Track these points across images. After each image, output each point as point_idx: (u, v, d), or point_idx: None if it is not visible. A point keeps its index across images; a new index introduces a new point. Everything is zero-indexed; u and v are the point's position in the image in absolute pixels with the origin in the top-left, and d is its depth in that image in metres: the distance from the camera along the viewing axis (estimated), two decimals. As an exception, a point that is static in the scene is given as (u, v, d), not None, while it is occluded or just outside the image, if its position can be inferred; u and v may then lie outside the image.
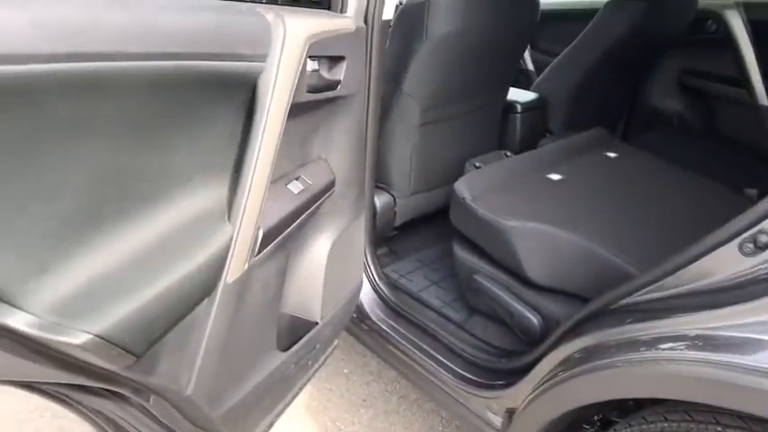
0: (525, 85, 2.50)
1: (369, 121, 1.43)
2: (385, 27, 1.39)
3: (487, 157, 1.91)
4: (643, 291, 1.05)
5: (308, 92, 1.06)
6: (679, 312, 0.94)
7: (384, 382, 2.07)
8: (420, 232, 2.10)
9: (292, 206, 1.10)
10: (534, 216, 1.45)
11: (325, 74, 1.12)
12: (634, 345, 0.95)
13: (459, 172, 1.91)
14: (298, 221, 1.13)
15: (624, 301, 1.08)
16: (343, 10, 1.28)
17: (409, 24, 1.65)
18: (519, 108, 2.14)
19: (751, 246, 0.89)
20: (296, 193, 1.11)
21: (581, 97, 2.24)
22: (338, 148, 1.29)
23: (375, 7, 1.32)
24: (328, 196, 1.25)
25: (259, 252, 1.00)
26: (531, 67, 2.94)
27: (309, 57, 1.03)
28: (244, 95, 0.91)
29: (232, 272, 0.93)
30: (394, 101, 1.73)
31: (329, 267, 1.34)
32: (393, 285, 1.73)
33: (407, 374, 1.63)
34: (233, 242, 0.91)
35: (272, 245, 1.04)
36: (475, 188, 1.57)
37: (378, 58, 1.38)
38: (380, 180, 1.84)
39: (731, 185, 1.77)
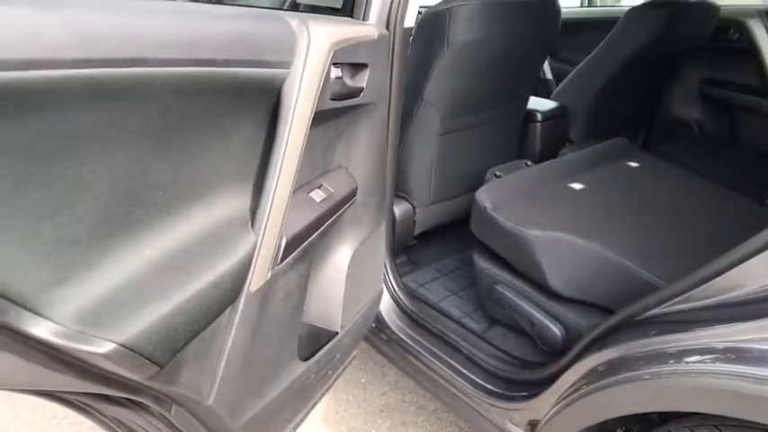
0: (544, 94, 2.49)
1: (390, 129, 1.43)
2: (407, 35, 1.39)
3: (508, 166, 1.90)
4: (670, 303, 1.03)
5: (332, 99, 1.06)
6: (707, 324, 0.92)
7: (402, 393, 2.05)
8: (439, 241, 2.09)
9: (314, 215, 1.09)
10: (556, 226, 1.43)
11: (349, 81, 1.12)
12: (661, 357, 0.93)
13: (478, 181, 1.90)
14: (320, 230, 1.13)
15: (650, 313, 1.06)
16: (365, 17, 1.29)
17: (430, 32, 1.65)
18: (539, 117, 2.13)
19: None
20: (318, 201, 1.11)
21: (602, 106, 2.22)
22: (360, 156, 1.28)
23: (397, 15, 1.32)
24: (350, 205, 1.25)
25: (282, 261, 0.99)
26: (549, 76, 2.92)
27: (333, 64, 1.03)
28: (268, 103, 0.91)
29: (255, 281, 0.93)
30: (415, 109, 1.73)
31: (350, 276, 1.33)
32: (412, 295, 1.72)
33: (426, 385, 1.62)
34: (256, 251, 0.91)
35: (294, 253, 1.04)
36: (496, 197, 1.56)
37: (399, 66, 1.38)
38: (400, 189, 1.83)
39: (754, 197, 1.74)
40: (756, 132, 2.29)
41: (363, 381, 2.12)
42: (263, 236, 0.92)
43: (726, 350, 0.86)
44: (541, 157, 2.10)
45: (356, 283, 1.38)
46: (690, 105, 2.47)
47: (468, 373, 1.49)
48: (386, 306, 1.70)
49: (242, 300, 0.92)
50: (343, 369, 1.46)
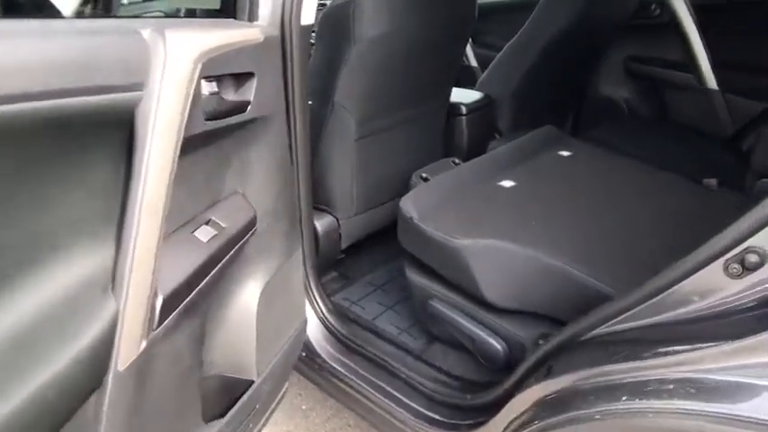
0: (469, 83, 2.37)
1: (297, 139, 1.27)
2: (306, 33, 1.23)
3: (435, 166, 1.76)
4: (618, 320, 0.91)
5: (208, 120, 0.88)
6: (662, 347, 0.81)
7: (346, 418, 1.90)
8: (370, 252, 1.94)
9: (202, 257, 0.92)
10: (489, 232, 1.31)
11: (230, 95, 0.95)
12: (614, 392, 0.81)
13: (406, 185, 1.77)
14: (213, 273, 0.96)
15: (597, 332, 0.95)
16: (252, 18, 1.12)
17: (334, 28, 1.49)
18: (464, 110, 2.00)
19: (737, 267, 0.76)
20: (206, 240, 0.94)
21: (528, 93, 2.12)
22: (258, 178, 1.11)
23: (292, 11, 1.16)
24: (250, 236, 1.07)
25: (160, 323, 0.82)
26: (474, 63, 2.82)
27: (205, 78, 0.86)
28: (121, 134, 0.73)
29: (123, 357, 0.75)
30: (326, 115, 1.57)
31: (262, 315, 1.16)
32: (343, 316, 1.57)
33: (365, 415, 1.47)
34: (120, 320, 0.73)
35: (178, 310, 0.86)
36: (422, 205, 1.42)
37: (301, 69, 1.22)
38: (321, 202, 1.67)
39: (689, 176, 1.68)
40: (684, 108, 2.25)
41: (305, 407, 1.96)
42: (126, 299, 0.74)
43: (684, 381, 0.75)
44: (469, 153, 1.98)
45: (271, 321, 1.22)
46: (617, 85, 2.40)
47: (407, 401, 1.36)
48: (315, 332, 1.54)
49: (109, 382, 0.74)
50: (268, 419, 1.29)
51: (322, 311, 1.54)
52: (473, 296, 1.34)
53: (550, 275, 1.24)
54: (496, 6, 2.76)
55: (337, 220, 1.68)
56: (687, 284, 0.81)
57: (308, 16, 1.23)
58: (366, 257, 1.93)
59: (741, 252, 0.75)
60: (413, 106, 1.76)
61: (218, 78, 0.90)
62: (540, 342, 1.27)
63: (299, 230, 1.36)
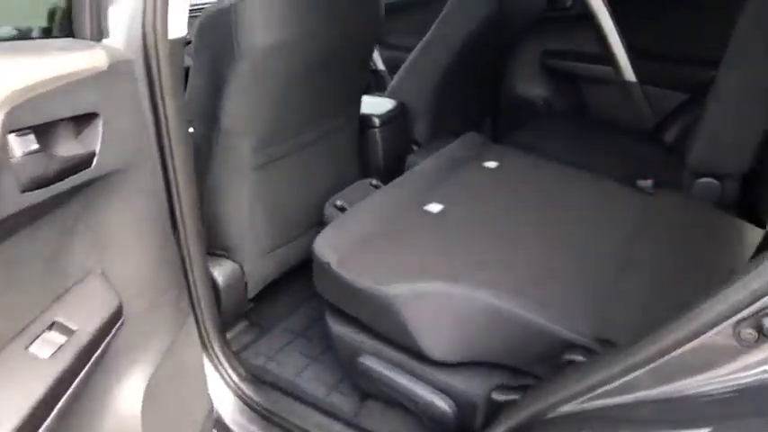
0: (378, 88, 2.16)
1: (178, 181, 1.02)
2: (176, 49, 0.97)
3: (350, 191, 1.55)
4: (592, 395, 0.74)
5: (27, 191, 0.62)
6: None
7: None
8: (287, 291, 1.69)
9: (45, 383, 0.65)
10: (422, 273, 1.11)
11: (63, 149, 0.68)
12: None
13: (320, 213, 1.54)
14: (67, 395, 0.69)
15: (565, 410, 0.77)
16: (98, 35, 0.85)
17: (215, 40, 1.24)
18: (377, 122, 1.79)
19: (752, 333, 0.60)
20: (48, 356, 0.67)
21: (444, 97, 1.94)
22: (122, 247, 0.85)
23: (156, 23, 0.90)
24: (117, 330, 0.81)
25: None
26: (381, 66, 2.62)
27: (15, 131, 0.60)
28: None
29: None
30: (214, 143, 1.31)
31: (151, 419, 0.90)
32: (258, 381, 1.32)
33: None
34: None
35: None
36: (339, 246, 1.19)
37: (174, 94, 0.97)
38: (218, 247, 1.41)
39: (622, 177, 1.56)
40: (604, 102, 2.16)
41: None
42: None
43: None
44: (387, 170, 1.78)
45: (165, 421, 0.95)
46: (533, 82, 2.28)
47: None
48: (226, 406, 1.29)
49: None
50: None
51: (232, 379, 1.29)
52: (411, 351, 1.13)
53: (500, 319, 1.06)
54: (400, 3, 2.57)
55: (240, 265, 1.42)
56: (685, 353, 0.64)
57: (178, 27, 0.98)
58: (282, 299, 1.68)
59: (758, 313, 0.59)
60: (319, 123, 1.53)
61: (38, 129, 0.64)
62: (495, 396, 1.09)
63: (190, 292, 1.10)
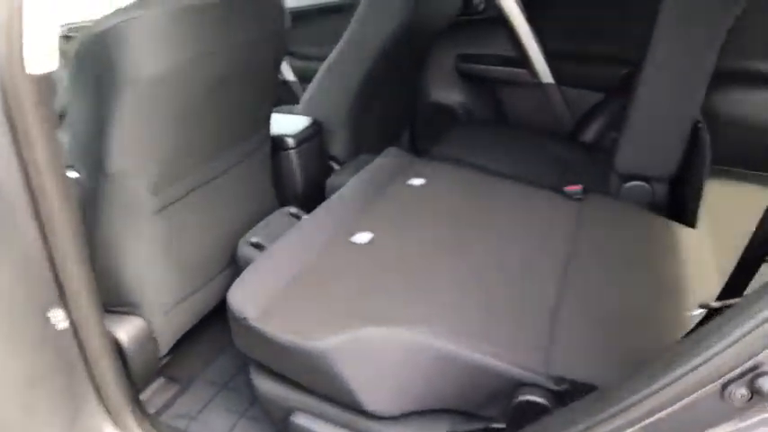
0: (288, 101, 2.01)
1: (59, 240, 0.86)
2: (42, 85, 0.82)
3: (267, 224, 1.40)
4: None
5: None
6: None
7: None
8: (205, 338, 1.52)
9: None
10: (354, 318, 0.99)
11: None
12: None
13: (234, 251, 1.39)
14: None
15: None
16: None
17: (95, 67, 1.06)
18: (291, 142, 1.65)
19: (745, 392, 0.52)
20: None
21: (361, 110, 1.82)
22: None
23: (12, 56, 0.75)
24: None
25: None
26: (291, 77, 2.47)
27: None
28: None
29: None
30: (102, 189, 1.13)
31: None
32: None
33: None
34: None
35: None
36: (257, 295, 1.05)
37: (46, 139, 0.82)
38: (120, 304, 1.22)
39: (549, 183, 1.51)
40: (521, 106, 2.12)
41: None
42: None
43: None
44: (306, 194, 1.65)
45: None
46: (450, 88, 2.20)
47: None
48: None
49: None
50: None
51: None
52: (349, 405, 1.01)
53: (443, 362, 0.96)
54: (308, 11, 2.43)
55: (148, 321, 1.24)
56: (667, 418, 0.56)
57: (40, 60, 0.81)
58: (200, 347, 1.51)
59: (750, 372, 0.51)
60: (225, 151, 1.37)
61: None
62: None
63: (88, 362, 0.93)
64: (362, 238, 1.23)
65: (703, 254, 1.35)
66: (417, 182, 1.49)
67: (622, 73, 1.90)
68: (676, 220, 1.43)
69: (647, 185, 1.43)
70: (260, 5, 1.32)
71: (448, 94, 2.21)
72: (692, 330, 0.96)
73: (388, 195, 1.42)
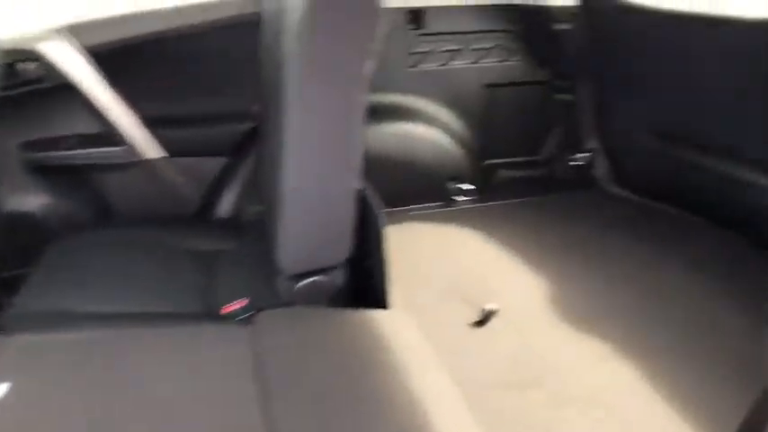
0: None
1: None
2: None
3: None
4: None
5: None
6: None
7: None
8: None
9: None
10: None
11: None
12: None
13: None
14: None
15: None
16: None
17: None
18: None
19: None
20: None
21: None
22: None
23: None
24: None
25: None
26: None
27: None
28: None
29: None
30: None
31: None
32: None
33: None
34: None
35: None
36: None
37: None
38: None
39: (200, 310, 1.14)
40: (129, 193, 1.57)
41: None
42: None
43: None
44: None
45: None
46: (23, 189, 1.52)
47: None
48: None
49: None
50: None
51: None
52: None
53: None
54: None
55: None
56: None
57: None
58: None
59: None
60: None
61: None
62: None
63: None
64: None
65: (403, 336, 1.15)
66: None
67: (243, 129, 1.61)
68: (371, 298, 1.24)
69: (323, 278, 1.15)
70: None
71: (22, 198, 1.55)
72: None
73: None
